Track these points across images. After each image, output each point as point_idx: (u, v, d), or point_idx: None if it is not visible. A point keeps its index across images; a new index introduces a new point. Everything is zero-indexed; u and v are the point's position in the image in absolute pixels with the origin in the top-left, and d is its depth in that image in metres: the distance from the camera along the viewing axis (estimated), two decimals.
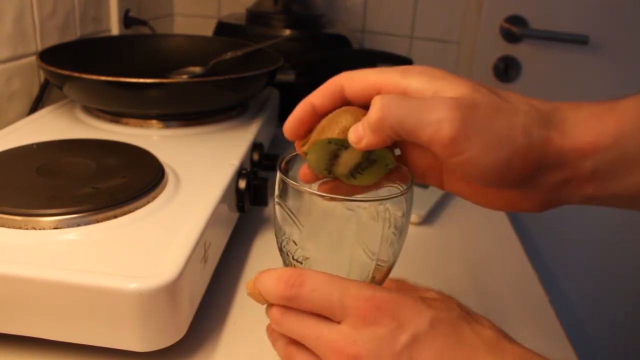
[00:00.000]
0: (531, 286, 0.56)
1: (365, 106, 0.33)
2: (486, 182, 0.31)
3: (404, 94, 0.32)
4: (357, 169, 0.35)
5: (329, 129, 0.34)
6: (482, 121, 0.29)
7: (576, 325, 1.28)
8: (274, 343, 0.35)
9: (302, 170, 0.36)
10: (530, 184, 0.32)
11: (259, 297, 0.34)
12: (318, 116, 0.35)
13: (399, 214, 0.34)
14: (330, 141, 0.34)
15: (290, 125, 0.35)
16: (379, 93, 0.33)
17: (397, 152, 0.36)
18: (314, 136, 0.34)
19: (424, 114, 0.29)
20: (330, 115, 0.35)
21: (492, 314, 0.35)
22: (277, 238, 0.36)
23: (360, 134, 0.31)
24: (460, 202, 0.73)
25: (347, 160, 0.35)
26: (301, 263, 0.35)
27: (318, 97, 0.34)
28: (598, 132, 0.30)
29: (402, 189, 0.36)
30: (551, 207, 0.33)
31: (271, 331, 0.35)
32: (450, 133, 0.29)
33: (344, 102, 0.34)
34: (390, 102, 0.30)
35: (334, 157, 0.34)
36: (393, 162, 0.35)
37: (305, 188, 0.33)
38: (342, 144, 0.34)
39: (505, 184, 0.31)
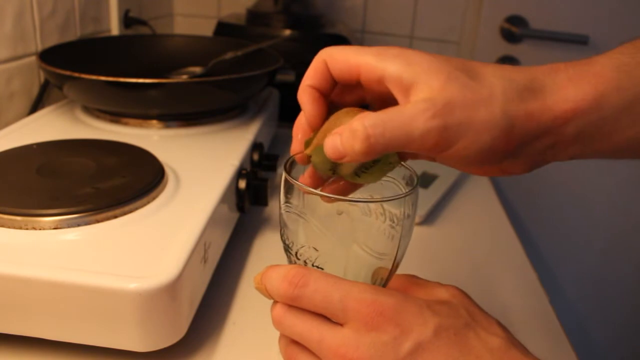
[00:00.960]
0: (531, 287, 0.56)
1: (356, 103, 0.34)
2: (471, 166, 0.32)
3: (380, 79, 0.32)
4: (362, 169, 0.35)
5: (340, 121, 0.34)
6: (460, 118, 0.30)
7: (577, 326, 1.28)
8: (278, 341, 0.35)
9: (304, 176, 0.36)
10: (516, 156, 0.32)
11: (266, 292, 0.34)
12: (325, 96, 0.35)
13: (397, 212, 0.34)
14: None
15: (312, 110, 0.35)
16: (358, 75, 0.33)
17: None
18: (318, 138, 0.34)
19: (407, 134, 0.30)
20: (332, 117, 0.35)
21: (492, 314, 0.35)
22: (282, 237, 0.36)
23: (340, 151, 0.31)
24: (460, 202, 0.73)
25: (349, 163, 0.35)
26: (306, 262, 0.35)
27: (310, 78, 0.35)
28: (577, 98, 0.30)
29: (400, 186, 0.36)
30: (538, 167, 0.34)
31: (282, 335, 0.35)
32: (433, 141, 0.30)
33: (332, 77, 0.35)
34: (374, 130, 0.30)
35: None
36: (397, 161, 0.35)
37: (310, 189, 0.33)
38: None
39: (490, 163, 0.32)
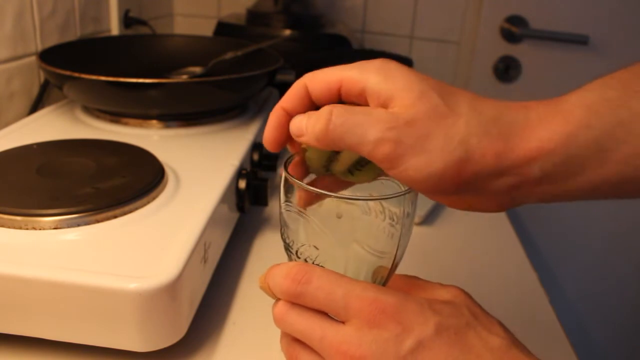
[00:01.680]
0: (531, 286, 0.56)
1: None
2: (425, 191, 0.32)
3: (362, 92, 0.32)
4: (356, 166, 0.35)
5: None
6: (416, 138, 0.30)
7: (577, 326, 1.28)
8: (280, 340, 0.35)
9: (292, 165, 0.36)
10: (475, 192, 0.32)
11: (269, 291, 0.34)
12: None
13: (396, 210, 0.34)
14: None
15: (269, 135, 0.35)
16: (339, 91, 0.33)
17: None
18: None
19: (363, 134, 0.31)
20: None
21: (492, 314, 0.35)
22: (282, 236, 0.36)
23: (300, 128, 0.32)
24: None
25: (347, 157, 0.35)
26: (307, 261, 0.35)
27: (287, 101, 0.35)
28: (543, 137, 0.30)
29: (399, 184, 0.36)
30: (508, 207, 0.34)
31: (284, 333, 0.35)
32: (385, 152, 0.30)
33: (311, 102, 0.35)
34: (337, 118, 0.31)
35: (335, 152, 0.34)
36: None
37: (311, 187, 0.33)
38: None
39: (445, 193, 0.32)
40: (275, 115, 0.35)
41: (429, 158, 0.30)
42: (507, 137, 0.30)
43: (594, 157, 0.30)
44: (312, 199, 0.34)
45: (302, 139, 0.32)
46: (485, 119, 0.31)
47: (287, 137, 0.35)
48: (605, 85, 0.31)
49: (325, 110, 0.32)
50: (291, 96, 0.34)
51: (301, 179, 0.35)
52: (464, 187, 0.31)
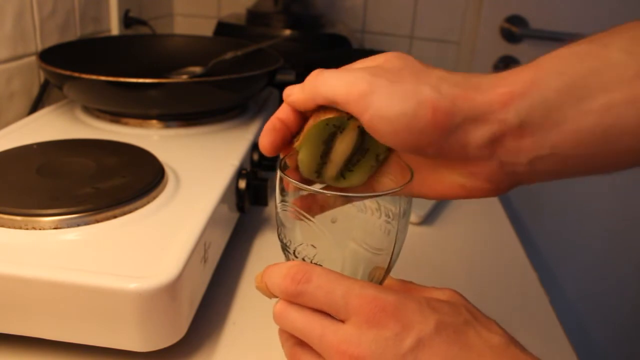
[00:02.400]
0: (531, 286, 0.56)
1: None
2: (402, 144, 0.32)
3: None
4: (348, 166, 0.35)
5: (323, 114, 0.34)
6: (390, 78, 0.31)
7: (577, 326, 1.28)
8: (282, 344, 0.35)
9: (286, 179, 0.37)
10: (457, 149, 0.31)
11: (267, 291, 0.34)
12: (287, 128, 0.36)
13: (392, 207, 0.34)
14: (327, 122, 0.34)
15: (265, 139, 0.36)
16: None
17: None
18: (304, 134, 0.35)
19: (342, 76, 0.32)
20: (316, 111, 0.35)
21: (491, 314, 0.35)
22: (279, 236, 0.36)
23: (290, 89, 0.35)
24: (460, 202, 0.73)
25: (340, 152, 0.35)
26: (304, 260, 0.35)
27: (281, 112, 0.37)
28: (513, 83, 0.30)
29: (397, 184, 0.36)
30: (504, 186, 0.33)
31: (282, 332, 0.35)
32: (359, 90, 0.31)
33: (302, 114, 0.36)
34: (321, 71, 0.33)
35: (328, 150, 0.34)
36: (384, 152, 0.35)
37: (305, 186, 0.33)
38: (340, 123, 0.34)
39: (423, 144, 0.31)
40: (270, 122, 0.36)
41: (402, 96, 0.30)
42: (477, 87, 0.31)
43: (570, 105, 0.29)
44: (311, 205, 0.34)
45: (289, 99, 0.34)
46: (457, 76, 0.32)
47: (282, 141, 0.36)
48: (574, 44, 0.31)
49: (314, 72, 0.34)
50: (284, 108, 0.36)
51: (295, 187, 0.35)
52: (440, 136, 0.31)
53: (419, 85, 0.31)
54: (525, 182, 0.33)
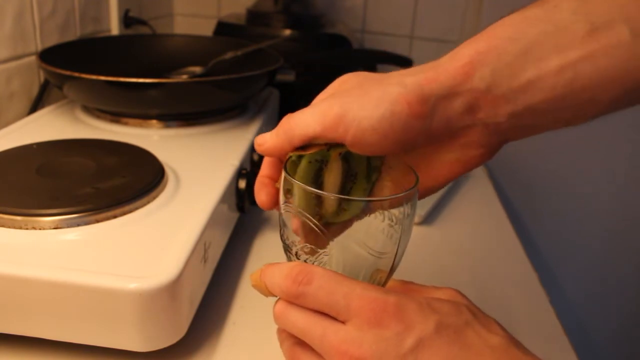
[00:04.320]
0: (531, 286, 0.56)
1: None
2: (393, 144, 0.32)
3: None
4: (346, 192, 0.35)
5: (301, 152, 0.35)
6: (356, 94, 0.33)
7: (577, 326, 1.28)
8: (281, 343, 0.35)
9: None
10: (442, 127, 0.32)
11: (264, 290, 0.34)
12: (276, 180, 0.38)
13: (395, 211, 0.34)
14: (309, 159, 0.34)
15: (261, 198, 0.37)
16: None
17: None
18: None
19: (313, 112, 0.33)
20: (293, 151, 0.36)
21: (492, 314, 0.35)
22: (281, 237, 0.36)
23: (262, 138, 0.36)
24: (460, 202, 0.73)
25: (331, 184, 0.35)
26: (306, 262, 0.35)
27: (264, 169, 0.38)
28: (470, 53, 0.32)
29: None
30: (493, 146, 0.34)
31: (280, 331, 0.35)
32: (335, 113, 0.32)
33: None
34: (287, 117, 0.35)
35: (319, 188, 0.34)
36: (373, 170, 0.36)
37: (311, 188, 0.33)
38: (322, 157, 0.35)
39: (412, 136, 0.32)
40: (258, 181, 0.38)
41: (374, 104, 0.32)
42: (437, 67, 0.32)
43: (529, 66, 0.31)
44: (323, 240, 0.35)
45: (264, 146, 0.36)
46: (414, 69, 0.33)
47: (277, 193, 0.37)
48: (524, 9, 0.33)
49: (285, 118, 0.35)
50: (268, 164, 0.38)
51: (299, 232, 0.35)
52: (423, 123, 0.32)
53: (384, 88, 0.32)
54: (511, 137, 0.34)
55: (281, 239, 0.36)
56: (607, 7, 0.30)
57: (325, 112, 0.32)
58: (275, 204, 0.37)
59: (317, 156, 0.35)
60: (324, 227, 0.34)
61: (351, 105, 0.32)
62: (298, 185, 0.33)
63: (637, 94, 0.31)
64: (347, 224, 0.35)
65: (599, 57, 0.30)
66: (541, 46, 0.31)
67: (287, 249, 0.36)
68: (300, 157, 0.35)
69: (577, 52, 0.30)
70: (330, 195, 0.33)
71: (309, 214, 0.34)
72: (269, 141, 0.35)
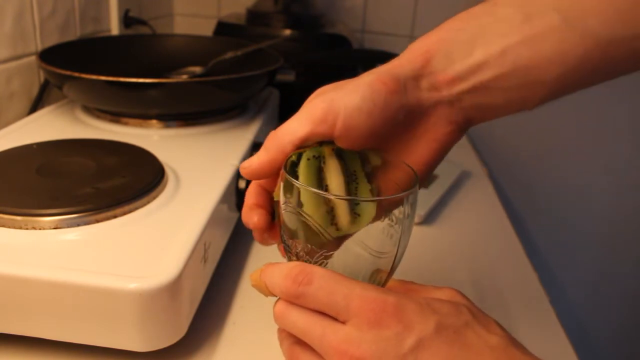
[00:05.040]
0: (531, 287, 0.56)
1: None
2: (379, 120, 0.35)
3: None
4: (352, 191, 0.35)
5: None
6: (335, 88, 0.36)
7: (577, 326, 1.28)
8: (280, 343, 0.35)
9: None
10: (415, 101, 0.36)
11: (264, 289, 0.34)
12: (264, 207, 0.38)
13: (395, 211, 0.34)
14: (307, 157, 0.35)
15: (253, 219, 0.38)
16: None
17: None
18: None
19: (298, 115, 0.35)
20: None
21: (491, 314, 0.35)
22: (281, 237, 0.36)
23: (251, 159, 0.36)
24: (460, 202, 0.73)
25: (335, 185, 0.35)
26: (306, 261, 0.35)
27: (249, 198, 0.39)
28: (423, 45, 0.37)
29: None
30: (462, 121, 0.38)
31: (280, 331, 0.35)
32: (321, 107, 0.34)
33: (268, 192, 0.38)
34: (277, 130, 0.36)
35: (324, 194, 0.34)
36: (369, 164, 0.36)
37: (311, 188, 0.33)
38: (318, 153, 0.35)
39: (393, 111, 0.35)
40: (246, 208, 0.38)
41: (353, 90, 0.35)
42: (399, 58, 0.37)
43: (476, 51, 0.35)
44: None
45: (252, 166, 0.36)
46: (381, 67, 0.37)
47: (268, 213, 0.38)
48: (470, 9, 0.38)
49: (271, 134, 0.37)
50: (253, 193, 0.39)
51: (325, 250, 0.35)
52: (400, 98, 0.35)
53: (359, 79, 0.36)
54: (474, 117, 0.38)
55: (281, 239, 0.36)
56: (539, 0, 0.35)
57: (312, 111, 0.35)
58: (267, 225, 0.38)
59: (315, 152, 0.35)
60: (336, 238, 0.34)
61: (334, 96, 0.35)
62: (305, 190, 0.33)
63: (580, 74, 0.35)
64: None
65: (534, 40, 0.34)
66: (484, 34, 0.35)
67: (287, 249, 0.36)
68: (299, 155, 0.35)
69: (515, 37, 0.35)
70: (333, 197, 0.33)
71: (326, 223, 0.34)
72: (256, 161, 0.36)
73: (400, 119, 0.36)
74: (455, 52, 0.36)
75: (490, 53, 0.35)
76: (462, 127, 0.38)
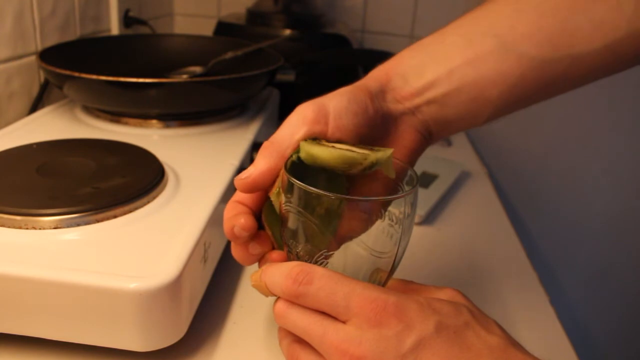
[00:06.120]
0: (531, 286, 0.56)
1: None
2: (365, 121, 0.38)
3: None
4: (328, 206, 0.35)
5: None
6: (321, 97, 0.38)
7: (577, 326, 1.28)
8: (280, 341, 0.35)
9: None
10: (386, 111, 0.40)
11: (264, 290, 0.34)
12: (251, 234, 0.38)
13: (396, 211, 0.34)
14: (272, 201, 0.36)
15: (239, 217, 0.37)
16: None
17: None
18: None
19: (289, 122, 0.37)
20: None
21: (491, 314, 0.35)
22: (281, 236, 0.36)
23: (248, 170, 0.37)
24: (460, 202, 0.73)
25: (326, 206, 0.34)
26: (307, 260, 0.35)
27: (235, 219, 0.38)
28: (383, 68, 0.42)
29: (399, 185, 0.36)
30: (426, 131, 0.42)
31: (280, 329, 0.35)
32: (311, 112, 0.37)
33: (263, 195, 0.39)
34: (271, 138, 0.38)
35: (324, 193, 0.33)
36: (388, 156, 0.36)
37: (311, 188, 0.33)
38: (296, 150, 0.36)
39: (372, 114, 0.38)
40: (230, 210, 0.38)
41: (339, 94, 0.38)
42: (367, 78, 0.41)
43: (426, 73, 0.40)
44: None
45: (251, 177, 0.36)
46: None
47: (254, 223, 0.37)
48: (422, 39, 0.43)
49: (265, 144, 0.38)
50: (230, 210, 0.38)
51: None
52: (375, 102, 0.39)
53: (340, 89, 0.39)
54: (434, 129, 0.42)
55: (282, 238, 0.36)
56: (480, 27, 0.40)
57: (304, 113, 0.37)
58: (255, 228, 0.37)
59: (294, 153, 0.36)
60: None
61: (322, 100, 0.38)
62: (305, 190, 0.33)
63: (521, 92, 0.40)
64: (350, 227, 0.35)
65: (477, 62, 0.39)
66: (435, 58, 0.40)
67: (287, 249, 0.36)
68: (299, 156, 0.35)
69: (460, 59, 0.40)
70: (332, 196, 0.33)
71: (320, 224, 0.34)
72: (257, 168, 0.36)
73: (379, 123, 0.39)
74: (409, 74, 0.41)
75: (439, 73, 0.40)
76: (426, 137, 0.42)
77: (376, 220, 0.34)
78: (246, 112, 0.72)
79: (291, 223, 0.35)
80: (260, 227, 0.37)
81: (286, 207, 0.35)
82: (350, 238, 0.35)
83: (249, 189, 0.36)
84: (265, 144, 0.37)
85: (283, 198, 0.35)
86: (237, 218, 0.36)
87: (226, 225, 0.36)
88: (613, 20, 0.37)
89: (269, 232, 0.37)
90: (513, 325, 0.48)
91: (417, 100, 0.41)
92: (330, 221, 0.34)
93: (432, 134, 0.42)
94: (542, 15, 0.39)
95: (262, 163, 0.36)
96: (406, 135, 0.41)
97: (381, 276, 0.36)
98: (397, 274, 0.38)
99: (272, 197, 0.36)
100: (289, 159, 0.36)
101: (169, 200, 0.47)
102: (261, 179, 0.36)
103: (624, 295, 1.26)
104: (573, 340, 0.48)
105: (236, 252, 0.38)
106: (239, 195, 0.37)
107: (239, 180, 0.36)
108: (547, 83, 0.40)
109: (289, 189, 0.34)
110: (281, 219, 0.36)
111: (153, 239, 0.41)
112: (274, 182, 0.36)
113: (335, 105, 0.37)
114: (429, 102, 0.40)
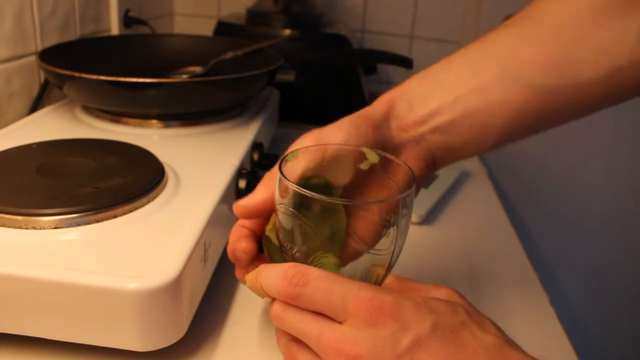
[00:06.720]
0: (531, 286, 0.56)
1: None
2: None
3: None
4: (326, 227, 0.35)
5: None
6: (320, 129, 0.40)
7: (577, 326, 1.28)
8: (277, 340, 0.35)
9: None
10: (389, 139, 0.41)
11: (260, 291, 0.34)
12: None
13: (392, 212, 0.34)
14: (268, 236, 0.37)
15: (240, 242, 0.39)
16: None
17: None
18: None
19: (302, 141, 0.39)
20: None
21: (491, 314, 0.35)
22: (277, 237, 0.36)
23: (251, 195, 0.39)
24: (460, 202, 0.73)
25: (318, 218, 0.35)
26: (302, 261, 0.35)
27: (233, 244, 0.40)
28: (390, 94, 0.42)
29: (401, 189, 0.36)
30: (431, 159, 0.43)
31: (277, 329, 0.36)
32: (310, 141, 0.39)
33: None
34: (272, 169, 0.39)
35: (319, 196, 0.33)
36: (373, 157, 0.37)
37: (305, 190, 0.33)
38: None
39: (372, 144, 0.39)
40: (235, 235, 0.40)
41: (339, 127, 0.39)
42: (372, 105, 0.42)
43: (433, 100, 0.41)
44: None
45: (253, 202, 0.38)
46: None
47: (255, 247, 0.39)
48: (429, 67, 0.43)
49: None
50: (235, 233, 0.40)
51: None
52: (377, 130, 0.40)
53: (341, 120, 0.40)
54: (439, 156, 0.43)
55: (277, 239, 0.36)
56: (484, 56, 0.41)
57: (302, 142, 0.38)
58: (255, 252, 0.39)
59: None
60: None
61: (322, 132, 0.39)
62: (299, 192, 0.33)
63: (525, 120, 0.40)
64: (361, 237, 0.35)
65: (481, 90, 0.40)
66: (440, 86, 0.41)
67: (283, 250, 0.36)
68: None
69: (465, 87, 0.40)
70: (328, 199, 0.33)
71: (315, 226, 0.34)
72: (256, 198, 0.38)
73: (380, 146, 0.40)
74: (414, 101, 0.41)
75: (445, 101, 0.41)
76: (431, 165, 0.43)
77: (383, 227, 0.34)
78: (246, 112, 0.72)
79: (286, 224, 0.35)
80: (261, 250, 0.40)
81: (280, 209, 0.35)
82: (361, 253, 0.35)
83: (247, 217, 0.39)
84: (267, 174, 0.39)
85: (278, 199, 0.35)
86: (239, 242, 0.38)
87: (229, 248, 0.39)
88: (616, 49, 0.38)
89: (268, 259, 0.39)
90: (513, 325, 0.48)
91: (422, 129, 0.41)
92: (324, 223, 0.34)
93: (436, 162, 0.43)
94: (545, 43, 0.39)
95: (262, 192, 0.38)
96: (410, 164, 0.41)
97: (378, 273, 0.36)
98: (396, 274, 0.38)
99: (267, 232, 0.37)
100: (282, 159, 0.36)
101: (169, 200, 0.47)
102: (260, 207, 0.38)
103: (624, 295, 1.26)
104: (573, 340, 0.48)
105: (238, 273, 0.40)
106: (243, 220, 0.40)
107: (237, 207, 0.38)
108: (551, 111, 0.40)
109: (283, 190, 0.34)
110: (277, 220, 0.36)
111: (153, 239, 0.41)
112: (268, 213, 0.37)
113: (333, 140, 0.39)
114: (433, 130, 0.41)
